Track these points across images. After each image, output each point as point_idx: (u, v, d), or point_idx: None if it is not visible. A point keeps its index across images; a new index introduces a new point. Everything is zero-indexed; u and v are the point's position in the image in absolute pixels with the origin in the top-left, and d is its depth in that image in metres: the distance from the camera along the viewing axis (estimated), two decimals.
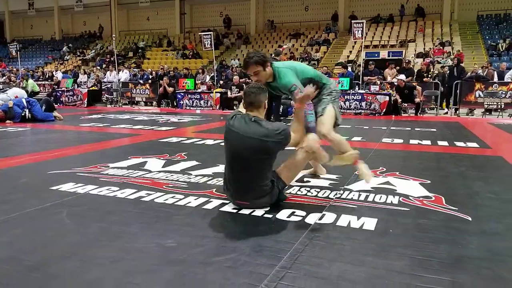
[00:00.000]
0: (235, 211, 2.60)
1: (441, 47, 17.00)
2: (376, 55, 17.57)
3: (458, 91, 10.55)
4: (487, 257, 1.94)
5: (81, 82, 15.22)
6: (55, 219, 2.45)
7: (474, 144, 5.47)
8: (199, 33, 17.38)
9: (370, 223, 2.38)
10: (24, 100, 8.40)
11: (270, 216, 2.49)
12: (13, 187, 3.18)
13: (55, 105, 10.02)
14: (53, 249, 2.02)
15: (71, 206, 2.69)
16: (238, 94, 11.99)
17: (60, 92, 13.95)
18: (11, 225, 2.34)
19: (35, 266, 1.82)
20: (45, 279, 1.71)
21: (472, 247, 2.07)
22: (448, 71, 11.44)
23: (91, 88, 14.18)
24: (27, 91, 11.82)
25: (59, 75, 16.03)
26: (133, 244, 2.08)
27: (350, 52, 19.10)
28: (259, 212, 2.55)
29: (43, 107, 8.63)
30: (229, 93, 11.93)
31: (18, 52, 16.66)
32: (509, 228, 2.32)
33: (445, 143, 5.54)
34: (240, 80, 12.45)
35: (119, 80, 14.49)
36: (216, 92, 12.17)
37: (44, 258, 1.91)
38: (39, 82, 15.75)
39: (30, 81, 13.49)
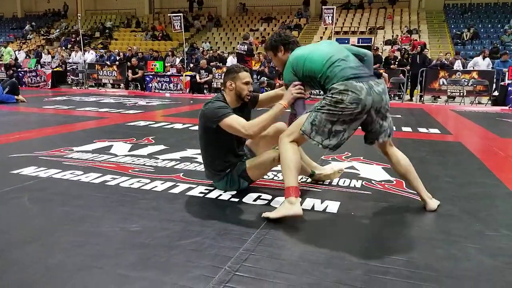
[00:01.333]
0: (201, 195, 2.61)
1: (409, 35, 17.37)
2: (346, 41, 17.73)
3: (421, 78, 10.85)
4: (441, 238, 2.05)
5: (44, 62, 14.60)
6: (15, 204, 2.39)
7: (436, 130, 5.68)
8: (169, 14, 16.96)
9: (333, 206, 2.45)
10: None
11: (236, 200, 2.52)
12: None
13: (20, 87, 9.62)
14: (14, 234, 1.97)
15: (32, 190, 2.62)
16: (207, 78, 11.87)
17: (22, 72, 13.35)
18: None
19: None
20: (6, 265, 1.68)
21: (428, 229, 2.19)
22: (411, 59, 11.68)
23: (55, 69, 13.64)
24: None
25: (21, 55, 15.32)
26: (97, 228, 2.06)
27: (321, 37, 19.18)
28: (225, 196, 2.58)
29: (7, 89, 8.23)
30: (197, 77, 11.78)
31: None
32: (463, 210, 2.45)
33: (409, 129, 5.72)
34: (211, 63, 12.32)
35: (85, 61, 14.01)
36: (186, 76, 12.00)
37: (4, 243, 1.86)
38: None
39: (9, 48, 13.03)
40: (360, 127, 2.35)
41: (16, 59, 14.44)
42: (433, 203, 2.41)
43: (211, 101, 2.59)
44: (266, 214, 2.21)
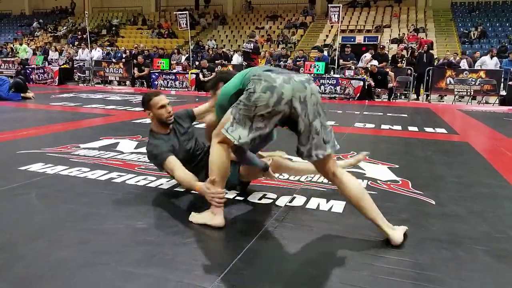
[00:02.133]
0: None
1: (415, 34, 17.26)
2: (352, 39, 17.68)
3: (428, 77, 10.77)
4: (447, 239, 2.04)
5: (52, 59, 14.68)
6: (23, 200, 2.40)
7: (443, 130, 5.64)
8: (175, 12, 16.98)
9: (338, 206, 2.44)
10: None
11: (241, 198, 2.52)
12: None
13: (28, 84, 9.69)
14: (20, 230, 1.99)
15: (40, 187, 2.64)
16: (211, 77, 11.88)
17: (30, 69, 13.44)
18: None
19: (1, 246, 1.80)
20: (12, 259, 1.69)
21: (434, 229, 2.17)
22: (418, 58, 11.60)
23: (62, 66, 13.72)
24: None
25: (29, 52, 15.44)
26: (102, 225, 2.07)
27: (327, 36, 19.14)
28: (230, 195, 2.58)
29: (12, 89, 8.25)
30: (201, 76, 11.79)
31: None
32: (469, 211, 2.43)
33: (415, 129, 5.69)
34: (216, 61, 12.31)
35: (91, 58, 14.08)
36: (191, 73, 12.01)
37: (10, 238, 1.88)
38: (7, 59, 15.13)
39: (24, 46, 13.21)
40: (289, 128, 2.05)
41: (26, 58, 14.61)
42: (397, 235, 1.94)
43: (148, 142, 2.55)
44: (192, 216, 2.13)
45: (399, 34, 17.77)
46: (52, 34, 23.85)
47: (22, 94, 8.35)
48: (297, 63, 11.92)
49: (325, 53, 12.95)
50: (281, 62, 11.79)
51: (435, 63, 11.48)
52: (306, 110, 1.91)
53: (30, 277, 1.56)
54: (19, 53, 13.94)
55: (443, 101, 11.04)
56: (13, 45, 17.45)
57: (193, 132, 2.70)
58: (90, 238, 1.91)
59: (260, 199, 2.54)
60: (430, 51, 11.75)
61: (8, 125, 5.26)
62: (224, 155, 1.99)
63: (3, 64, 14.79)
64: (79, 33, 22.09)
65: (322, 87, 10.58)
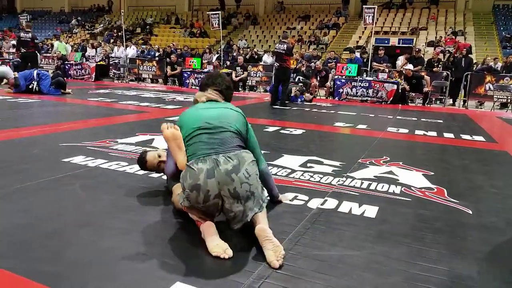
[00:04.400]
0: None
1: (454, 37, 16.77)
2: (386, 41, 17.34)
3: (466, 82, 10.45)
4: (484, 250, 2.00)
5: (89, 56, 15.20)
6: (69, 190, 2.54)
7: (480, 138, 5.48)
8: (207, 12, 17.20)
9: (371, 211, 2.44)
10: (35, 73, 8.46)
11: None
12: (26, 157, 3.27)
13: (66, 79, 10.11)
14: (69, 218, 2.11)
15: (82, 178, 2.77)
16: (243, 75, 12.00)
17: (68, 65, 13.97)
18: (26, 194, 2.43)
19: (52, 233, 1.91)
20: (64, 245, 1.81)
21: (471, 240, 2.13)
22: (455, 62, 11.25)
23: (99, 63, 14.17)
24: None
25: (68, 48, 16.04)
26: (142, 217, 2.17)
27: (360, 37, 18.87)
28: None
29: (53, 86, 8.61)
30: (233, 74, 11.91)
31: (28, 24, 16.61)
32: (509, 223, 2.37)
33: (451, 135, 5.56)
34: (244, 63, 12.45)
35: (126, 56, 14.47)
36: (222, 73, 12.15)
37: (59, 226, 2.00)
38: (47, 55, 15.77)
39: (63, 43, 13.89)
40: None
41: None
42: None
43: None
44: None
45: (435, 37, 17.32)
46: (89, 32, 24.65)
47: (62, 90, 8.69)
48: (329, 64, 11.85)
49: (358, 54, 12.80)
50: (312, 63, 11.75)
51: (474, 68, 11.12)
52: (239, 199, 1.88)
53: (81, 262, 1.67)
54: (59, 48, 14.58)
55: (481, 108, 10.69)
56: (53, 41, 18.18)
57: None
58: (132, 228, 2.01)
59: (291, 200, 2.57)
60: (469, 55, 11.38)
61: (50, 119, 5.51)
62: None
63: (43, 60, 15.42)
64: (115, 31, 22.71)
65: (354, 89, 10.48)
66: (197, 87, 12.25)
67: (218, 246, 1.80)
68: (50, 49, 16.97)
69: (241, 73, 11.91)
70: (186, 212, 2.05)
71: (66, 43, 17.33)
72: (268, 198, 2.17)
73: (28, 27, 11.01)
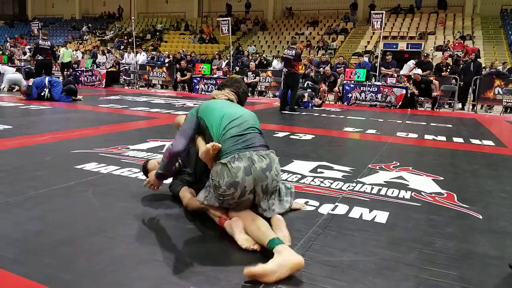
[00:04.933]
0: None
1: (462, 41, 16.69)
2: (395, 46, 17.35)
3: (475, 87, 10.38)
4: (495, 255, 2.00)
5: (99, 62, 15.40)
6: (82, 197, 2.58)
7: (490, 142, 5.45)
8: (217, 18, 17.34)
9: (381, 216, 2.45)
10: (46, 80, 8.60)
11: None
12: (39, 164, 3.33)
13: (77, 86, 10.27)
14: (81, 225, 2.14)
15: (95, 185, 2.82)
16: (254, 80, 12.07)
17: (79, 72, 14.17)
18: (40, 201, 2.47)
19: (65, 240, 1.95)
20: (77, 252, 1.84)
21: (481, 245, 2.13)
22: (464, 67, 11.19)
23: (109, 69, 14.35)
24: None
25: (79, 55, 16.26)
26: (155, 224, 2.20)
27: (368, 42, 18.88)
28: None
29: (63, 93, 8.72)
30: (245, 79, 11.99)
31: (40, 31, 16.88)
32: None
33: (461, 140, 5.53)
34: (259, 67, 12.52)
35: (136, 62, 14.63)
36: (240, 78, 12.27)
37: (72, 233, 2.03)
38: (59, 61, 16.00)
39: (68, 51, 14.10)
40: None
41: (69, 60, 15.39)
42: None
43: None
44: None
45: (444, 41, 17.25)
46: (100, 38, 24.99)
47: (73, 97, 8.81)
48: (337, 69, 11.86)
49: (366, 59, 12.80)
50: (321, 68, 11.77)
51: (482, 72, 11.07)
52: (267, 194, 2.10)
53: (92, 271, 1.69)
54: (64, 57, 14.58)
55: (490, 112, 10.60)
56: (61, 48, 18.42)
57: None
58: (144, 235, 2.04)
59: (306, 203, 2.58)
60: (478, 59, 11.33)
61: (62, 125, 5.60)
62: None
63: (54, 67, 15.65)
64: (125, 37, 23.02)
65: (363, 94, 10.47)
66: (206, 93, 12.36)
67: (247, 240, 1.91)
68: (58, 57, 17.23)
69: (253, 77, 11.99)
70: (206, 211, 2.17)
71: (76, 50, 17.58)
72: (290, 204, 2.27)
73: (45, 35, 11.18)
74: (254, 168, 2.01)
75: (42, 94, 8.42)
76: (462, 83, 10.69)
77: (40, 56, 10.75)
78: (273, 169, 2.08)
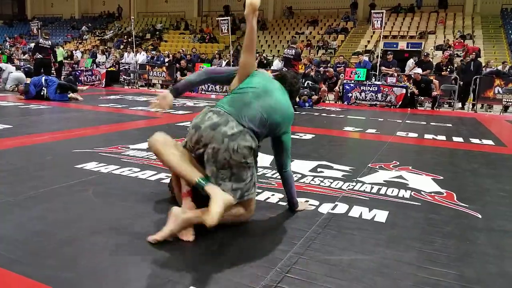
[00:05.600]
0: None
1: (462, 40, 16.69)
2: (395, 45, 17.35)
3: (474, 86, 10.39)
4: (494, 253, 2.01)
5: (99, 62, 15.40)
6: (82, 197, 2.59)
7: (490, 142, 5.46)
8: (217, 18, 17.34)
9: (381, 215, 2.46)
10: (43, 79, 8.60)
11: (284, 203, 2.58)
12: (39, 164, 3.34)
13: (78, 85, 10.28)
14: (83, 224, 2.15)
15: (95, 184, 2.83)
16: None
17: (79, 71, 14.17)
18: (40, 200, 2.48)
19: (67, 239, 1.96)
20: (79, 252, 1.85)
21: (480, 243, 2.15)
22: (463, 67, 11.19)
23: (109, 69, 14.35)
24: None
25: (78, 55, 16.26)
26: (156, 224, 2.20)
27: (368, 41, 18.89)
28: (273, 199, 2.66)
29: (57, 91, 8.62)
30: None
31: (39, 30, 16.88)
32: None
33: (460, 139, 5.54)
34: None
35: (136, 62, 14.64)
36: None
37: (74, 232, 2.04)
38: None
39: (59, 50, 13.99)
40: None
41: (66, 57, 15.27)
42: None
43: None
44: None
45: (444, 41, 17.26)
46: (99, 38, 24.98)
47: (69, 95, 8.77)
48: (338, 69, 11.87)
49: (366, 58, 12.80)
50: (321, 68, 11.78)
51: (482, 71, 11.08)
52: (215, 162, 2.04)
53: (97, 269, 1.70)
54: (57, 57, 14.55)
55: (490, 111, 10.61)
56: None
57: None
58: (145, 234, 2.04)
59: (310, 205, 2.59)
60: (478, 59, 11.34)
61: (62, 125, 5.61)
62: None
63: (54, 66, 15.63)
64: (125, 37, 23.01)
65: (363, 93, 10.48)
66: (206, 92, 12.37)
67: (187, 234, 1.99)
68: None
69: None
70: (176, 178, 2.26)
71: (76, 49, 17.57)
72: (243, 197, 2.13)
73: (46, 34, 11.15)
74: (220, 129, 2.03)
75: (42, 93, 8.42)
76: (462, 82, 10.69)
77: (40, 55, 10.73)
78: (235, 143, 2.01)
